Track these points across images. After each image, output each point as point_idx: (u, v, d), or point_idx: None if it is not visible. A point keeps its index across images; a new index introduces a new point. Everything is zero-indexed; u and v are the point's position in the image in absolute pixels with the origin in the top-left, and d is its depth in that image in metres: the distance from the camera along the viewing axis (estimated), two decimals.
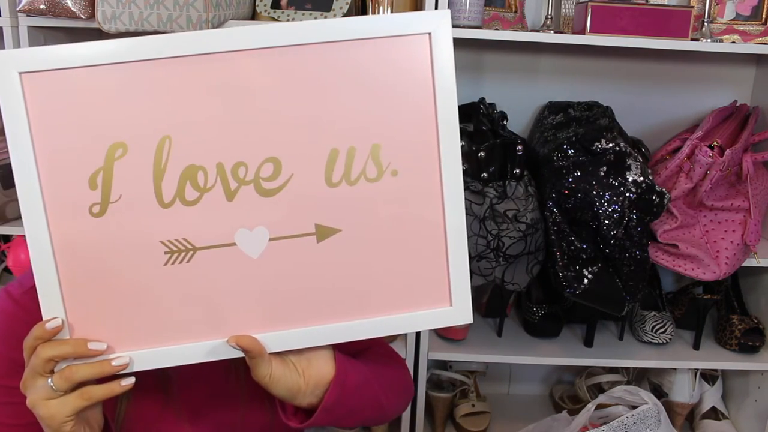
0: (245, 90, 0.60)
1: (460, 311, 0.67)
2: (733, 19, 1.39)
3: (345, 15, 1.22)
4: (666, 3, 1.37)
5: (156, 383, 0.76)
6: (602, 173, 1.19)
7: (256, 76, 0.60)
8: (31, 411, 0.64)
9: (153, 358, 0.63)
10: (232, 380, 0.80)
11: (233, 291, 0.63)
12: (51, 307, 0.61)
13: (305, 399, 0.67)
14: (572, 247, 1.21)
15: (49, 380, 0.60)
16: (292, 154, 0.61)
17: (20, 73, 0.58)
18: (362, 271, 0.64)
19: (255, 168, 0.61)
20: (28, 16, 1.21)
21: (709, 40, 1.31)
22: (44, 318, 0.61)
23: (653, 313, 1.47)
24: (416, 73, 0.62)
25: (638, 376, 1.65)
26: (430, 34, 0.61)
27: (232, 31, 0.59)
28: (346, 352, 0.72)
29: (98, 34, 1.40)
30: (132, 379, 0.62)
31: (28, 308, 0.71)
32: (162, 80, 0.59)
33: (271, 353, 0.64)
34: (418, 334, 1.40)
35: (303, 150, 0.61)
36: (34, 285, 0.71)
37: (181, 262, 0.61)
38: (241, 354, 0.63)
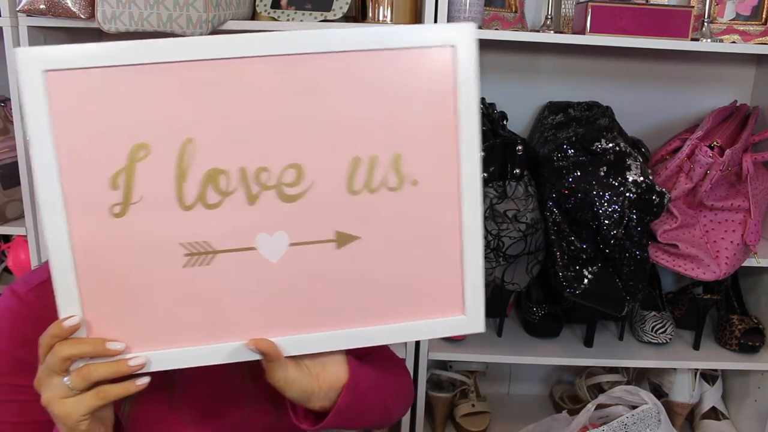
0: (270, 95, 0.60)
1: (473, 320, 0.68)
2: (733, 19, 1.39)
3: (345, 15, 1.22)
4: (666, 3, 1.37)
5: (160, 383, 0.76)
6: (602, 173, 1.19)
7: (281, 82, 0.60)
8: (35, 409, 0.65)
9: (169, 359, 0.63)
10: (236, 381, 0.80)
11: (252, 294, 0.63)
12: (68, 305, 0.60)
13: (318, 402, 0.68)
14: (572, 247, 1.21)
15: (66, 379, 0.60)
16: (315, 160, 0.61)
17: (44, 71, 0.57)
18: (379, 279, 0.65)
19: (277, 173, 0.61)
20: (28, 16, 1.21)
21: (709, 40, 1.31)
22: (61, 316, 0.61)
23: (653, 313, 1.47)
24: (439, 84, 0.62)
25: (638, 376, 1.65)
26: (454, 46, 0.61)
27: (258, 37, 0.59)
28: (350, 355, 0.72)
29: (98, 34, 1.41)
30: (147, 379, 0.62)
31: (33, 306, 0.72)
32: (187, 83, 0.59)
33: (286, 357, 0.65)
34: None
35: (326, 157, 0.61)
36: (39, 283, 0.73)
37: (200, 265, 0.61)
38: (258, 357, 0.63)
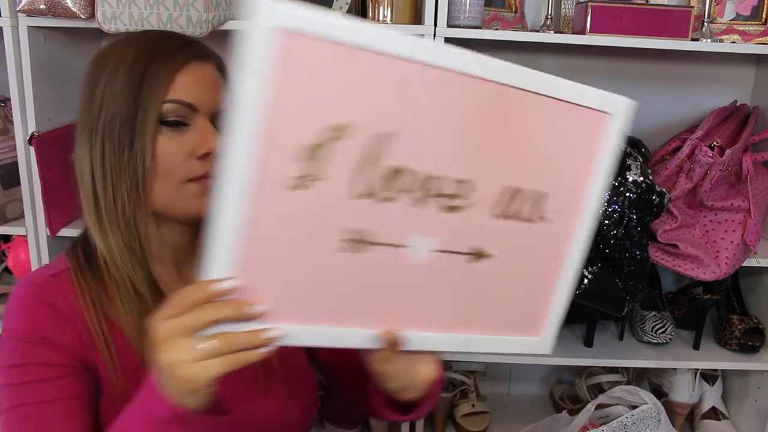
0: (468, 113, 0.63)
1: (545, 343, 0.77)
2: (733, 19, 1.39)
3: (345, 15, 1.22)
4: (666, 3, 1.37)
5: None
6: None
7: (482, 105, 0.63)
8: (73, 384, 0.71)
9: (304, 336, 0.63)
10: (251, 372, 0.82)
11: (391, 288, 0.66)
12: (219, 269, 0.58)
13: (409, 394, 0.74)
14: None
15: (200, 344, 0.57)
16: (480, 180, 0.66)
17: (276, 29, 0.53)
18: (489, 294, 0.71)
19: (447, 185, 0.64)
20: (28, 16, 1.21)
21: (709, 40, 1.31)
22: (208, 278, 0.58)
23: (653, 313, 1.47)
24: (590, 143, 0.69)
25: (638, 376, 1.65)
26: (612, 115, 0.69)
27: (488, 61, 0.62)
28: None
29: (98, 35, 1.41)
30: (270, 349, 0.61)
31: (51, 291, 0.76)
32: (406, 81, 0.59)
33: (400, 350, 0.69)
34: None
35: (488, 180, 0.66)
36: (53, 274, 0.78)
37: (353, 252, 0.63)
38: (380, 345, 0.67)
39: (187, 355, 0.57)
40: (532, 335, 0.76)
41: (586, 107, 0.68)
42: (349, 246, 0.62)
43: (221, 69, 0.81)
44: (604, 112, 0.69)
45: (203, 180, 0.76)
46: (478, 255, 0.69)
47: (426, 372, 0.73)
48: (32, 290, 0.77)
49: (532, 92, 0.65)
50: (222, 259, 0.58)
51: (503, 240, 0.69)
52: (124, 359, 0.77)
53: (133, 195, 0.75)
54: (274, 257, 0.60)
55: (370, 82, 0.58)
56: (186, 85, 0.75)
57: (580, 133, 0.69)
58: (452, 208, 0.65)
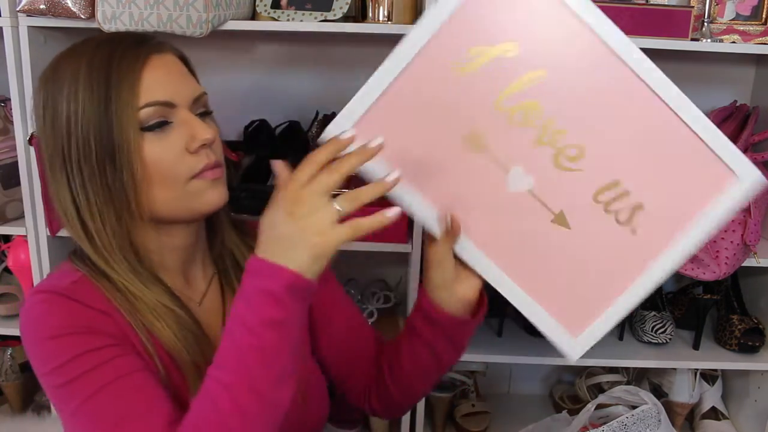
0: (629, 112, 0.69)
1: (574, 347, 0.76)
2: (733, 19, 1.39)
3: (345, 15, 1.22)
4: (666, 3, 1.37)
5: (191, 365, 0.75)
6: None
7: (650, 117, 0.69)
8: (135, 362, 0.68)
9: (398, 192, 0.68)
10: None
11: (477, 199, 0.73)
12: (340, 126, 0.69)
13: (447, 308, 0.78)
14: None
15: (335, 204, 0.61)
16: (600, 160, 0.71)
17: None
18: (556, 266, 0.75)
19: (571, 146, 0.70)
20: (28, 16, 1.21)
21: (709, 40, 1.31)
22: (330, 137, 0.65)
23: (653, 313, 1.47)
24: (704, 191, 0.71)
25: (638, 376, 1.65)
26: (737, 177, 0.70)
27: (679, 97, 0.69)
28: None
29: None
30: (397, 210, 0.64)
31: (79, 294, 0.71)
32: (588, 51, 0.68)
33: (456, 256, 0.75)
34: None
35: (606, 164, 0.71)
36: (72, 282, 0.72)
37: (466, 151, 0.71)
38: (439, 229, 0.73)
39: (328, 216, 0.61)
40: (569, 332, 0.76)
41: (720, 158, 0.70)
42: (467, 142, 0.70)
43: (181, 57, 0.77)
44: (732, 171, 0.70)
45: (207, 173, 0.73)
46: (560, 220, 0.72)
47: (466, 289, 0.77)
48: (56, 298, 0.71)
49: (684, 122, 0.69)
50: (348, 116, 0.68)
51: (589, 223, 0.72)
52: (161, 356, 0.73)
53: (124, 213, 0.71)
54: (398, 126, 0.69)
55: (553, 25, 0.68)
56: (155, 82, 0.71)
57: (703, 178, 0.71)
58: (564, 167, 0.71)
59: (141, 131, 0.70)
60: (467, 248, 0.75)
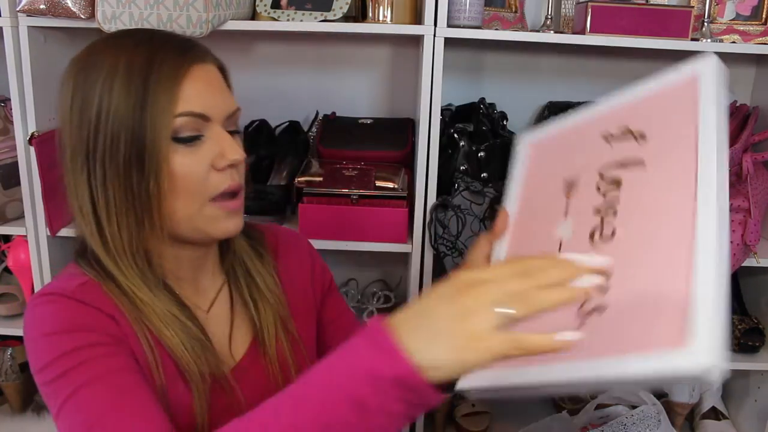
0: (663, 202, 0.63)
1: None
2: (733, 19, 1.39)
3: (345, 15, 1.22)
4: (666, 3, 1.37)
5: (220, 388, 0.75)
6: None
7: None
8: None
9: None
10: (278, 383, 0.81)
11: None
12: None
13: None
14: None
15: (506, 309, 0.50)
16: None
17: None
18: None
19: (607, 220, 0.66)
20: (28, 16, 1.21)
21: (709, 40, 1.31)
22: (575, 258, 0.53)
23: None
24: (658, 336, 0.53)
25: None
26: (688, 349, 0.50)
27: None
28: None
29: (98, 34, 1.40)
30: (574, 336, 0.51)
31: (86, 297, 0.70)
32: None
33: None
34: None
35: (617, 257, 0.58)
36: (80, 284, 0.71)
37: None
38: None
39: (494, 321, 0.50)
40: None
41: (691, 320, 0.51)
42: (566, 185, 0.73)
43: (220, 68, 0.76)
44: (689, 340, 0.50)
45: (228, 203, 0.72)
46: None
47: None
48: (60, 298, 0.69)
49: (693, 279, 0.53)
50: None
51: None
52: (165, 364, 0.72)
53: (145, 221, 0.69)
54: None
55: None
56: (194, 93, 0.69)
57: (664, 323, 0.53)
58: (592, 241, 0.65)
59: (173, 141, 0.68)
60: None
